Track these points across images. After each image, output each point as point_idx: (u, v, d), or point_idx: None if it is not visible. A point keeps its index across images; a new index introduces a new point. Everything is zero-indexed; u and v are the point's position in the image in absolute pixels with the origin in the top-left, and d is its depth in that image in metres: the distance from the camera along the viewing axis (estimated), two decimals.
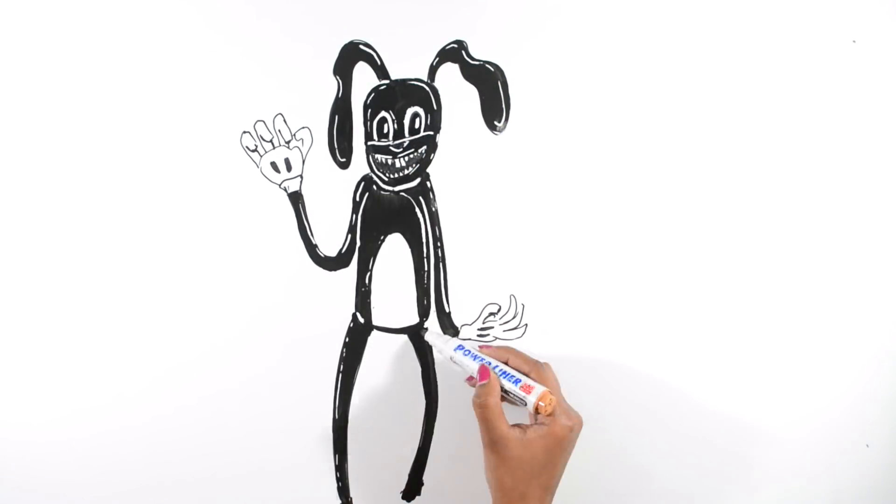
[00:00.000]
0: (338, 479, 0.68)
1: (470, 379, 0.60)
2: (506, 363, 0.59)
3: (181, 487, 0.65)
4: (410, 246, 0.63)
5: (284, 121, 0.58)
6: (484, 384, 0.57)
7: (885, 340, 0.72)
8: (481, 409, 0.56)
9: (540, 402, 0.55)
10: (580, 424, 0.57)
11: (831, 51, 0.63)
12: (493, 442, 0.56)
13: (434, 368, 0.67)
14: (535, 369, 0.59)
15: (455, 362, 0.61)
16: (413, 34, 0.58)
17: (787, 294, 0.69)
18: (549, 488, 0.56)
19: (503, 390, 0.57)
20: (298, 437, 0.66)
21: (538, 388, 0.56)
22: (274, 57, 0.56)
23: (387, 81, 0.59)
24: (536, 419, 0.57)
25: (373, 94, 0.59)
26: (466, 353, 0.60)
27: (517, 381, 0.57)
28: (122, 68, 0.55)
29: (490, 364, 0.58)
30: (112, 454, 0.63)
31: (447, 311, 0.65)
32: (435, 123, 0.60)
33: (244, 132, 0.58)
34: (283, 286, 0.61)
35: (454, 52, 0.59)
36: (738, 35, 0.62)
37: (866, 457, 0.74)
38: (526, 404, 0.56)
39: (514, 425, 0.56)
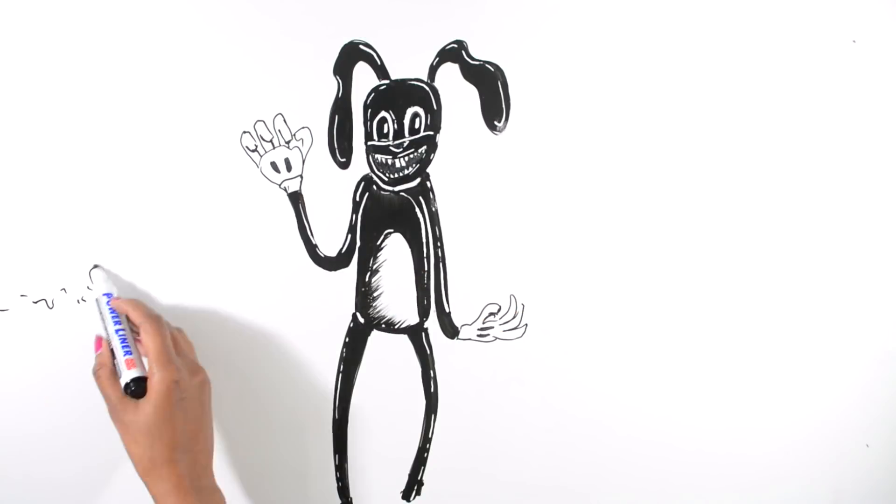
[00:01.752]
0: (338, 479, 0.68)
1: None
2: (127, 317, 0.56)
3: None
4: (410, 246, 0.63)
5: (284, 121, 0.58)
6: (99, 353, 0.55)
7: (885, 341, 0.72)
8: (98, 380, 0.54)
9: (127, 386, 0.52)
10: (203, 377, 0.55)
11: (831, 51, 0.63)
12: (111, 411, 0.53)
13: (434, 368, 0.67)
14: (145, 325, 0.54)
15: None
16: (413, 34, 0.58)
17: (788, 295, 0.69)
18: (177, 447, 0.52)
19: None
20: (298, 437, 0.66)
21: (127, 374, 0.53)
22: (274, 57, 0.56)
23: (387, 81, 0.59)
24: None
25: (373, 94, 0.59)
26: (108, 307, 0.56)
27: (127, 352, 0.54)
28: (122, 68, 0.55)
29: (106, 331, 0.55)
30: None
31: (447, 311, 0.65)
32: (435, 123, 0.60)
33: (244, 132, 0.58)
34: (283, 286, 0.61)
35: (454, 52, 0.59)
36: (739, 35, 0.62)
37: (866, 457, 0.74)
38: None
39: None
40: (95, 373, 0.55)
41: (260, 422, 0.65)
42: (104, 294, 0.57)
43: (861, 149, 0.65)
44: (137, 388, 0.53)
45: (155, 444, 0.52)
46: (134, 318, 0.55)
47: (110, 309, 0.56)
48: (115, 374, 0.54)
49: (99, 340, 0.56)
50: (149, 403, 0.52)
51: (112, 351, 0.55)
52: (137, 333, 0.55)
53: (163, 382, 0.52)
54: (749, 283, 0.68)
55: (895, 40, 0.64)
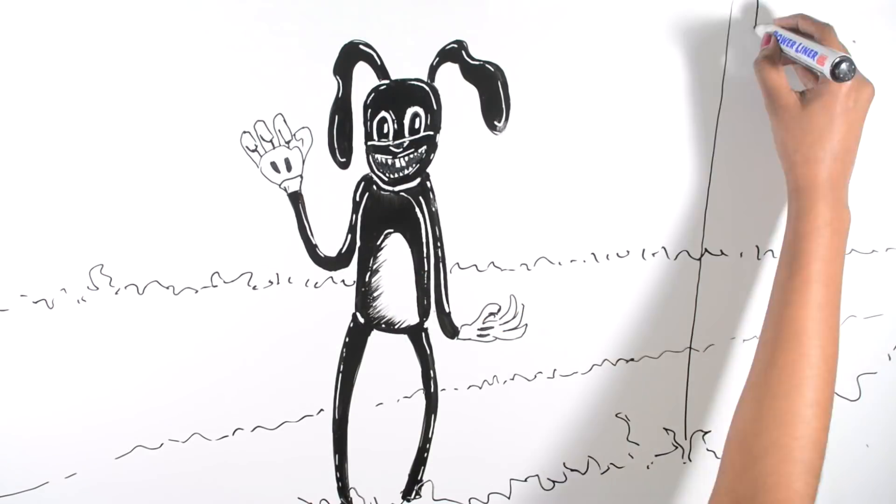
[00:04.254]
0: (338, 479, 0.68)
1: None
2: (795, 28, 0.58)
3: (179, 484, 0.65)
4: (410, 246, 0.63)
5: (284, 121, 0.58)
6: (765, 48, 0.58)
7: (885, 341, 0.72)
8: (758, 70, 0.57)
9: (834, 65, 0.52)
10: (869, 90, 0.56)
11: None
12: (770, 102, 0.57)
13: (434, 368, 0.67)
14: (821, 32, 0.57)
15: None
16: (413, 34, 0.58)
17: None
18: (838, 155, 0.55)
19: (800, 63, 0.56)
20: (298, 437, 0.66)
21: (832, 56, 0.52)
22: (274, 57, 0.56)
23: (387, 81, 0.59)
24: (818, 81, 0.56)
25: (373, 94, 0.59)
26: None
27: (813, 54, 0.54)
28: (122, 68, 0.55)
29: (777, 34, 0.58)
30: (110, 452, 0.63)
31: (447, 311, 0.65)
32: (435, 123, 0.60)
33: (244, 132, 0.58)
34: (283, 286, 0.61)
35: (454, 52, 0.59)
36: (739, 34, 0.62)
37: (866, 457, 0.74)
38: (824, 74, 0.53)
39: (798, 91, 0.57)
40: (759, 62, 0.57)
41: (260, 421, 0.65)
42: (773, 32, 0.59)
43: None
44: (848, 70, 0.51)
45: (815, 145, 0.54)
46: (807, 25, 0.57)
47: (778, 35, 0.58)
48: (778, 65, 0.57)
49: (767, 37, 0.58)
50: (817, 104, 0.54)
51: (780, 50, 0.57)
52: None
53: (842, 88, 0.54)
54: (749, 283, 0.68)
55: (895, 40, 0.64)
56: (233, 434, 0.65)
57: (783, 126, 0.57)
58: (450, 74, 0.59)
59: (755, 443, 0.52)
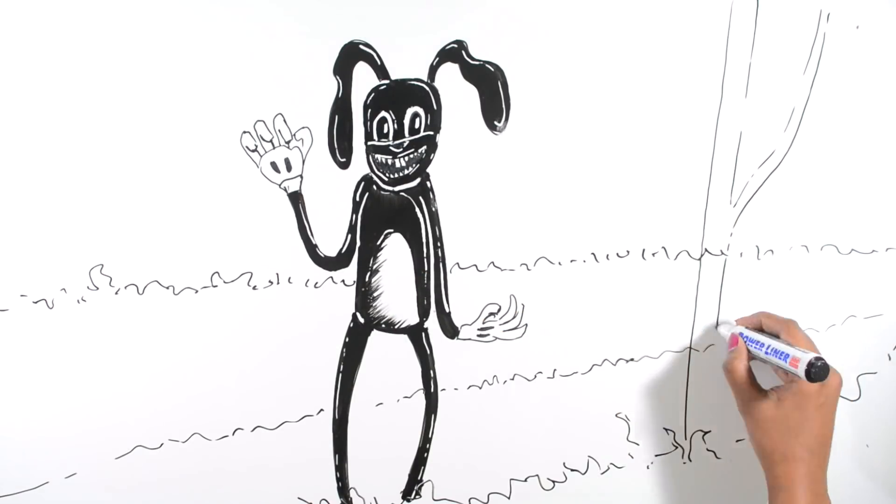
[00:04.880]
0: (338, 479, 0.68)
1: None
2: (759, 329, 0.60)
3: (179, 484, 0.65)
4: (410, 246, 0.63)
5: (284, 121, 0.58)
6: (733, 350, 0.59)
7: (885, 341, 0.72)
8: (728, 373, 0.58)
9: (810, 365, 0.53)
10: (837, 381, 0.57)
11: (835, 37, 0.62)
12: (743, 404, 0.58)
13: (434, 368, 0.67)
14: (786, 329, 0.59)
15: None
16: (413, 34, 0.58)
17: (788, 294, 0.69)
18: (814, 450, 0.56)
19: (777, 367, 0.57)
20: (298, 437, 0.66)
21: (804, 357, 0.54)
22: (274, 57, 0.56)
23: (387, 81, 0.59)
24: (787, 378, 0.57)
25: (373, 94, 0.59)
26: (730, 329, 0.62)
27: (785, 357, 0.56)
28: (122, 68, 0.55)
29: (743, 335, 0.60)
30: (110, 452, 0.63)
31: (447, 311, 0.65)
32: (435, 123, 0.60)
33: (244, 132, 0.58)
34: (283, 286, 0.61)
35: (454, 52, 0.59)
36: (739, 34, 0.62)
37: (866, 457, 0.74)
38: (798, 376, 0.55)
39: (768, 389, 0.58)
40: (730, 366, 0.58)
41: (260, 421, 0.65)
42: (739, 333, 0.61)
43: (866, 135, 0.65)
44: (821, 371, 0.53)
45: (791, 442, 0.55)
46: (771, 323, 0.59)
47: (745, 337, 0.60)
48: (750, 370, 0.58)
49: (735, 338, 0.60)
50: (790, 402, 0.55)
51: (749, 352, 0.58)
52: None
53: (813, 386, 0.55)
54: (749, 283, 0.68)
55: None
56: (233, 434, 0.65)
57: (758, 427, 0.57)
58: (450, 74, 0.59)
59: None
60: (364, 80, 0.58)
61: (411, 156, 0.61)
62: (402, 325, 0.65)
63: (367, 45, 0.57)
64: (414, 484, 0.69)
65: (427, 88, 0.59)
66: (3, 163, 0.55)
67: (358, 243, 0.62)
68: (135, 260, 0.59)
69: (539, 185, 0.63)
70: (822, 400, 0.56)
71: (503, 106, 0.61)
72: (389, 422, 0.67)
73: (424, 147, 0.61)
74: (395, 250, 0.63)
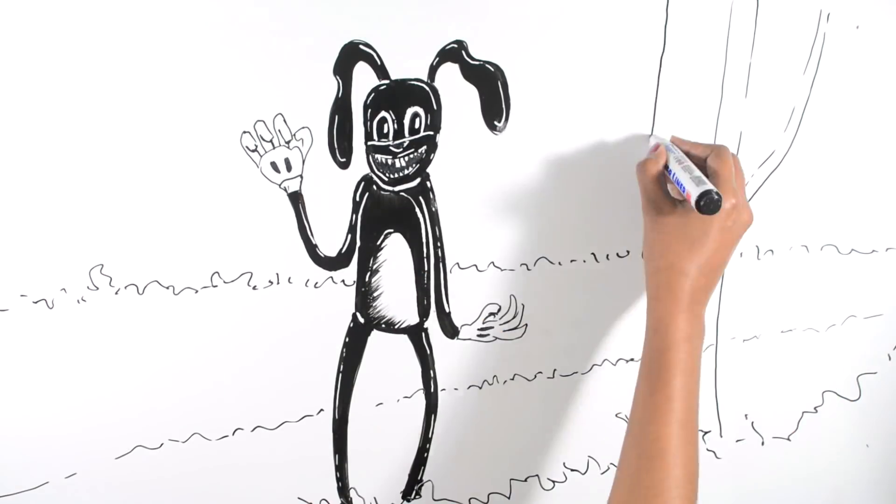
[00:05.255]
0: (338, 479, 0.68)
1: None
2: (687, 152, 0.58)
3: (179, 484, 0.65)
4: (410, 246, 0.63)
5: (284, 121, 0.58)
6: (652, 154, 0.57)
7: (885, 341, 0.72)
8: (640, 172, 0.56)
9: (700, 197, 0.51)
10: (748, 215, 0.55)
11: (835, 37, 0.62)
12: (647, 203, 0.56)
13: (434, 368, 0.67)
14: (714, 153, 0.56)
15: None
16: (413, 34, 0.58)
17: (788, 294, 0.69)
18: (704, 270, 0.54)
19: (677, 181, 0.55)
20: (298, 437, 0.66)
21: (695, 190, 0.52)
22: (274, 57, 0.56)
23: (387, 81, 0.59)
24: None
25: (373, 94, 0.59)
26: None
27: (682, 188, 0.54)
28: (121, 68, 0.55)
29: (668, 147, 0.58)
30: (110, 452, 0.63)
31: (447, 311, 0.65)
32: (435, 123, 0.60)
33: (244, 132, 0.58)
34: (283, 286, 0.61)
35: (454, 52, 0.59)
36: (741, 24, 0.62)
37: (866, 457, 0.74)
38: (691, 196, 0.53)
39: (678, 200, 0.56)
40: (642, 165, 0.56)
41: (260, 421, 0.65)
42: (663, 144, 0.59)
43: (866, 135, 0.65)
44: (710, 204, 0.51)
45: (690, 257, 0.53)
46: (699, 149, 0.57)
47: (669, 149, 0.57)
48: (661, 174, 0.55)
49: (657, 146, 0.57)
50: (696, 216, 0.53)
51: (666, 163, 0.56)
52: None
53: (725, 213, 0.53)
54: (749, 282, 0.68)
55: None
56: (233, 434, 0.65)
57: (656, 229, 0.55)
58: (450, 74, 0.59)
59: None
60: (364, 80, 0.58)
61: (411, 156, 0.61)
62: (402, 326, 0.65)
63: (367, 45, 0.57)
64: (414, 484, 0.69)
65: (427, 88, 0.59)
66: (3, 163, 0.55)
67: (358, 243, 0.63)
68: (135, 260, 0.59)
69: (539, 185, 0.63)
70: (728, 223, 0.54)
71: (503, 106, 0.61)
72: (389, 422, 0.67)
73: (424, 147, 0.61)
74: (395, 250, 0.63)
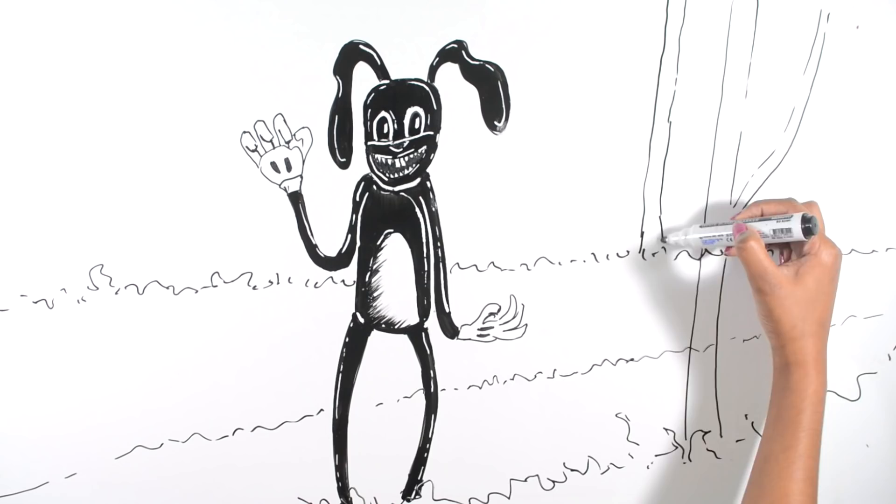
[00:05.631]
0: (338, 479, 0.68)
1: (729, 250, 0.61)
2: (760, 215, 0.60)
3: (179, 484, 0.65)
4: (410, 246, 0.63)
5: (284, 121, 0.58)
6: (742, 233, 0.58)
7: (885, 341, 0.72)
8: (745, 251, 0.56)
9: (804, 220, 0.55)
10: (840, 253, 0.57)
11: (835, 37, 0.62)
12: (762, 282, 0.56)
13: (434, 368, 0.67)
14: (786, 206, 0.59)
15: (710, 251, 0.62)
16: (413, 34, 0.58)
17: None
18: (824, 323, 0.57)
19: (765, 236, 0.57)
20: (298, 437, 0.66)
21: (797, 212, 0.55)
22: (274, 57, 0.56)
23: (387, 81, 0.59)
24: (802, 254, 0.57)
25: (373, 94, 0.59)
26: (711, 235, 0.61)
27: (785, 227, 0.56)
28: (122, 68, 0.55)
29: (746, 223, 0.59)
30: (110, 452, 0.63)
31: (447, 311, 0.65)
32: (435, 123, 0.60)
33: (244, 132, 0.58)
34: (283, 286, 0.61)
35: (454, 52, 0.59)
36: (741, 24, 0.62)
37: (866, 457, 0.74)
38: (790, 231, 0.56)
39: (781, 265, 0.57)
40: (743, 244, 0.56)
41: (260, 422, 0.65)
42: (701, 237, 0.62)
43: (865, 135, 0.65)
44: (815, 225, 0.55)
45: (808, 317, 0.56)
46: (771, 207, 0.59)
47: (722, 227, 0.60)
48: (762, 245, 0.56)
49: (739, 226, 0.58)
50: (811, 276, 0.55)
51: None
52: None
53: (831, 256, 0.56)
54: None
55: None
56: (233, 434, 0.65)
57: (778, 304, 0.57)
58: (450, 74, 0.59)
59: None
60: (364, 80, 0.58)
61: (411, 156, 0.61)
62: (402, 325, 0.65)
63: (367, 45, 0.57)
64: (414, 484, 0.69)
65: (427, 88, 0.59)
66: (3, 163, 0.55)
67: (358, 243, 0.63)
68: (135, 260, 0.59)
69: (539, 185, 0.63)
70: (834, 273, 0.57)
71: (503, 106, 0.61)
72: (389, 422, 0.67)
73: (424, 147, 0.61)
74: (395, 250, 0.63)
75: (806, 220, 0.56)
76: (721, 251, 0.65)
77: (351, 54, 0.57)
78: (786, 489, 0.55)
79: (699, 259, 0.67)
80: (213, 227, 0.59)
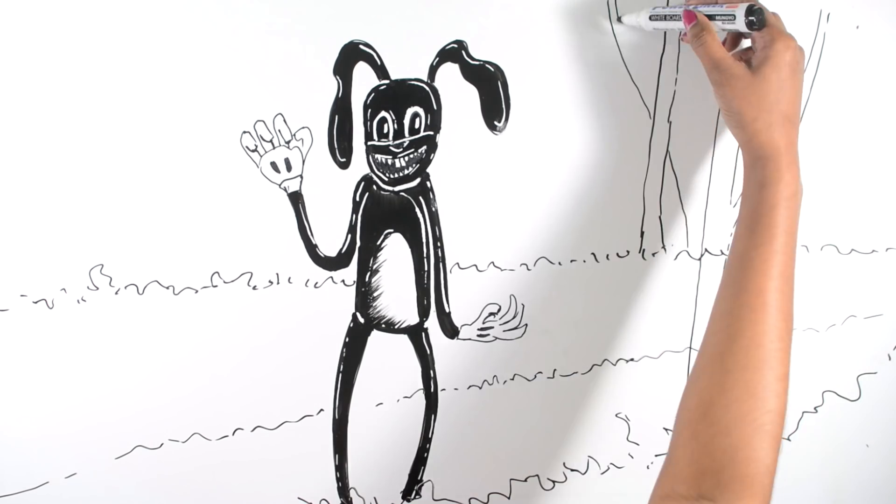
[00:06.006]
0: (338, 479, 0.68)
1: (684, 36, 0.58)
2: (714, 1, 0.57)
3: (179, 484, 0.65)
4: (410, 246, 0.63)
5: (284, 121, 0.58)
6: (694, 24, 0.55)
7: (885, 341, 0.72)
8: (700, 46, 0.55)
9: (748, 11, 0.51)
10: (802, 50, 0.55)
11: (835, 37, 0.62)
12: (718, 74, 0.54)
13: (434, 368, 0.67)
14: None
15: (659, 29, 0.58)
16: (413, 34, 0.58)
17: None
18: (791, 118, 0.54)
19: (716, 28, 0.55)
20: (298, 437, 0.66)
21: (740, 7, 0.52)
22: (274, 57, 0.56)
23: (387, 81, 0.59)
24: (754, 48, 0.55)
25: (373, 94, 0.59)
26: (658, 13, 0.57)
27: (725, 13, 0.53)
28: (122, 68, 0.55)
29: (690, 6, 0.56)
30: (110, 452, 0.63)
31: (447, 311, 0.65)
32: (435, 123, 0.60)
33: (244, 132, 0.58)
34: (283, 286, 0.61)
35: (454, 52, 0.59)
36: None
37: (866, 457, 0.74)
38: (734, 19, 0.53)
39: (737, 58, 0.55)
40: (696, 37, 0.55)
41: (260, 421, 0.65)
42: (650, 17, 0.57)
43: (866, 135, 0.65)
44: (759, 18, 0.51)
45: (773, 109, 0.53)
46: None
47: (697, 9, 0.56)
48: (716, 36, 0.54)
49: (688, 14, 0.56)
50: (767, 68, 0.53)
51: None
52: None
53: (786, 48, 0.53)
54: None
55: None
56: (233, 434, 0.65)
57: (735, 94, 0.54)
58: (450, 74, 0.59)
59: (723, 415, 0.51)
60: (364, 80, 0.58)
61: (411, 156, 0.61)
62: (402, 325, 0.65)
63: (367, 45, 0.57)
64: (414, 484, 0.69)
65: (427, 88, 0.60)
66: (3, 163, 0.55)
67: (358, 243, 0.63)
68: (135, 260, 0.59)
69: (539, 184, 0.63)
70: (795, 66, 0.54)
71: (503, 106, 0.61)
72: (389, 422, 0.67)
73: (424, 147, 0.61)
74: (395, 250, 0.63)
75: (750, 13, 0.52)
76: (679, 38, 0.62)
77: (351, 54, 0.57)
78: (761, 286, 0.52)
79: (699, 259, 0.67)
80: (213, 227, 0.59)
